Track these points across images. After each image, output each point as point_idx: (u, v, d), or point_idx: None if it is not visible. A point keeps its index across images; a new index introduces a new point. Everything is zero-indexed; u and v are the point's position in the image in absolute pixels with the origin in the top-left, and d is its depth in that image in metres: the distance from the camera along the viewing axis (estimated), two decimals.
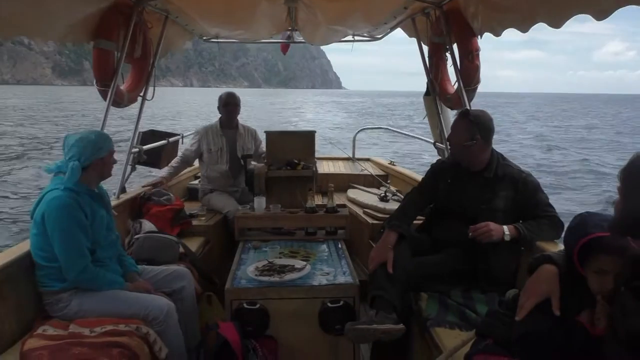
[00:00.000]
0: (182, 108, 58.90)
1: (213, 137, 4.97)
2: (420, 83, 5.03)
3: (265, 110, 52.20)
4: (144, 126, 5.04)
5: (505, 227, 2.85)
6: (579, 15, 2.39)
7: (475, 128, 3.00)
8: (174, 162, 5.04)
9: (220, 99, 5.08)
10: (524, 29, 3.05)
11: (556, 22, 2.60)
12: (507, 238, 2.83)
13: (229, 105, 5.00)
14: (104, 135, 2.87)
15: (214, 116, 5.39)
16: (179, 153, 5.29)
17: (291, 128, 29.45)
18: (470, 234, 2.84)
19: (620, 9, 2.12)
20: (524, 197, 2.96)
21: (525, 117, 53.24)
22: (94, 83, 3.94)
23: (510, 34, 3.00)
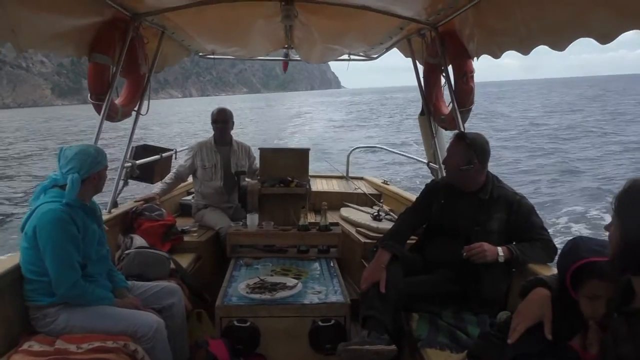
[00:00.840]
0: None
1: (207, 153, 4.96)
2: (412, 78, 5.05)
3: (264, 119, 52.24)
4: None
5: (499, 248, 2.85)
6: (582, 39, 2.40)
7: (472, 152, 3.01)
8: (167, 178, 5.02)
9: (212, 115, 5.06)
10: (524, 51, 3.06)
11: (559, 46, 2.60)
12: (501, 259, 2.83)
13: (218, 123, 4.98)
14: (101, 150, 2.87)
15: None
16: (173, 169, 5.27)
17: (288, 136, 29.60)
18: (464, 254, 2.84)
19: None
20: (518, 219, 2.97)
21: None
22: (89, 97, 3.93)
23: None
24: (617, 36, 2.15)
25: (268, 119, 51.56)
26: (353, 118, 47.67)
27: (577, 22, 2.37)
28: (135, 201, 4.55)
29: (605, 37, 2.20)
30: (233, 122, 5.09)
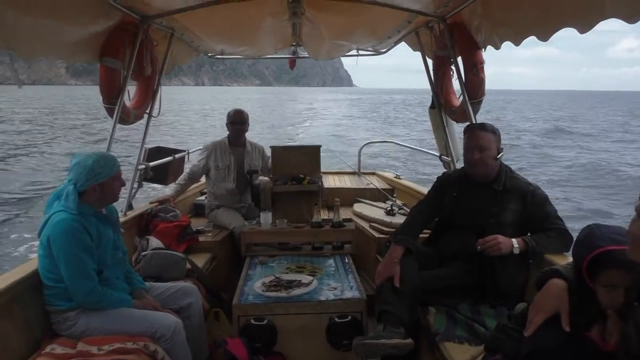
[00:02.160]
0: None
1: (221, 154, 4.96)
2: (425, 80, 5.03)
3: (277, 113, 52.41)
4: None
5: (514, 240, 2.84)
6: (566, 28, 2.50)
7: (499, 140, 3.06)
8: (180, 179, 5.04)
9: (228, 116, 5.05)
10: (516, 42, 3.12)
11: (544, 35, 2.74)
12: (516, 251, 2.82)
13: (236, 124, 4.97)
14: (104, 160, 2.75)
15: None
16: (186, 169, 5.30)
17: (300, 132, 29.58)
18: (479, 247, 2.83)
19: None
20: (532, 210, 2.95)
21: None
22: (101, 101, 3.96)
23: None
24: (595, 25, 2.27)
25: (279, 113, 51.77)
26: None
27: (558, 11, 2.47)
28: (151, 203, 4.59)
29: (586, 26, 2.33)
30: (248, 124, 5.09)
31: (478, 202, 3.05)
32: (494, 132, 3.07)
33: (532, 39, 2.96)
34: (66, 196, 2.64)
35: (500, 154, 3.04)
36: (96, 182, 2.70)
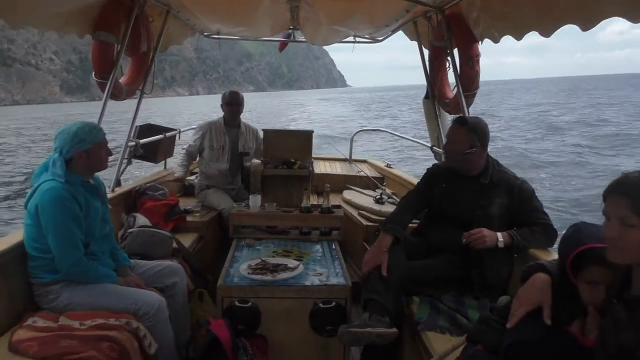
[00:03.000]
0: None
1: (216, 134, 4.95)
2: (420, 76, 5.00)
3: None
4: None
5: (499, 233, 2.85)
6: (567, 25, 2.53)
7: (474, 136, 3.00)
8: (183, 160, 5.00)
9: (224, 97, 5.04)
10: (518, 36, 3.11)
11: (546, 32, 2.73)
12: (500, 245, 2.83)
13: (232, 105, 4.96)
14: (88, 127, 2.74)
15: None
16: (180, 149, 5.27)
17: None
18: (464, 240, 2.84)
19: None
20: (519, 204, 2.97)
21: None
22: (92, 75, 3.92)
23: None
24: (598, 23, 2.31)
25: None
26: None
27: (564, 8, 2.48)
28: (198, 179, 4.77)
29: (588, 24, 2.36)
30: (243, 106, 5.08)
31: (465, 194, 3.06)
32: (469, 127, 3.03)
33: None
34: (53, 163, 2.63)
35: (470, 150, 3.00)
36: (81, 149, 2.69)
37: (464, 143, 3.02)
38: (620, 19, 2.16)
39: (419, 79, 4.99)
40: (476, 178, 3.06)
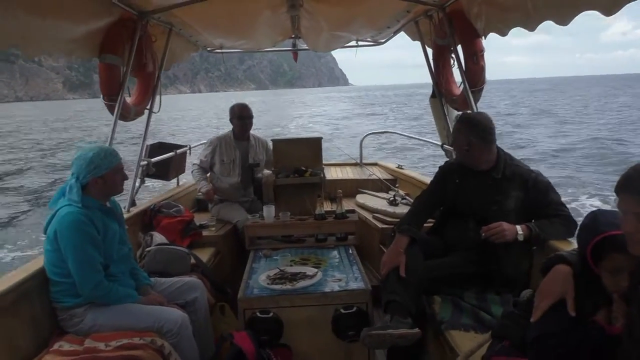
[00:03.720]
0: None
1: (226, 148, 4.95)
2: (423, 74, 5.00)
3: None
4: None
5: (518, 226, 2.84)
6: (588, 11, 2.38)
7: (469, 132, 3.01)
8: (199, 176, 4.97)
9: (233, 111, 5.02)
10: (530, 27, 3.04)
11: (563, 19, 2.59)
12: (520, 238, 2.82)
13: (244, 119, 4.96)
14: (104, 153, 2.76)
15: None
16: (189, 164, 5.29)
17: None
18: (483, 234, 2.83)
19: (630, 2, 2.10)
20: (535, 196, 2.95)
21: None
22: (102, 98, 3.96)
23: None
24: (623, 6, 2.14)
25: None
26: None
27: None
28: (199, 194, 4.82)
29: (611, 8, 2.18)
30: (253, 118, 5.09)
31: (479, 190, 3.05)
32: (464, 124, 3.08)
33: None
34: (69, 189, 2.66)
35: (467, 147, 3.02)
36: (97, 175, 2.72)
37: (461, 139, 3.05)
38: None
39: (422, 77, 4.99)
40: (488, 173, 3.05)
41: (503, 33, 3.46)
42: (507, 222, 2.85)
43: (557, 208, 2.94)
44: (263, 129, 28.16)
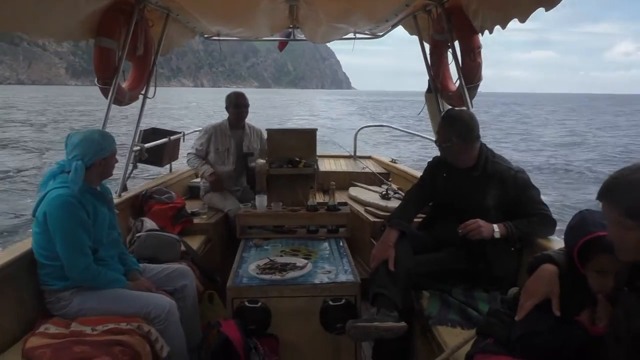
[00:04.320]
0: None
1: (221, 137, 4.93)
2: (424, 83, 5.00)
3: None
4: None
5: (495, 225, 2.85)
6: None
7: (450, 129, 3.03)
8: (197, 162, 4.93)
9: (229, 99, 5.01)
10: (522, 19, 3.06)
11: (549, 4, 2.60)
12: (497, 235, 2.83)
13: (240, 107, 4.95)
14: (107, 135, 2.85)
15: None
16: (185, 152, 5.27)
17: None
18: (460, 231, 2.84)
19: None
20: (514, 194, 2.95)
21: None
22: (96, 81, 3.94)
23: (520, 34, 3.04)
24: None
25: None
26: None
27: None
28: (203, 182, 4.83)
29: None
30: (249, 107, 5.08)
31: (462, 186, 3.06)
32: (446, 121, 3.13)
33: (529, 37, 2.92)
34: (75, 172, 2.64)
35: (445, 144, 3.06)
36: (102, 157, 2.76)
37: (442, 136, 3.08)
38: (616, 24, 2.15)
39: (423, 86, 4.96)
40: (470, 170, 3.06)
41: (502, 26, 3.46)
42: (487, 219, 2.86)
43: (535, 206, 2.94)
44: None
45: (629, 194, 1.49)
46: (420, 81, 5.06)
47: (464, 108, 3.85)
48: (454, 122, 3.06)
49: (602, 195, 1.57)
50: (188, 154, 5.06)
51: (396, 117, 43.38)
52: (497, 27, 3.42)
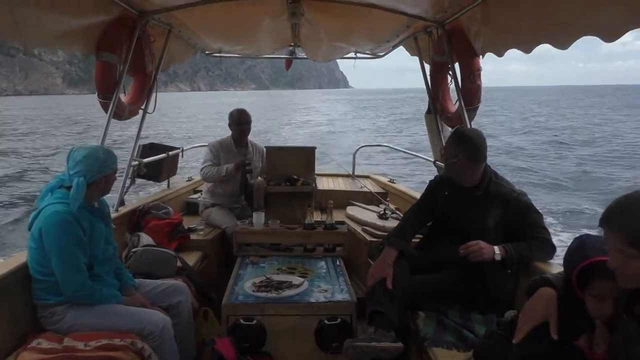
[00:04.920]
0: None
1: (228, 153, 4.88)
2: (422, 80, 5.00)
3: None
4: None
5: (496, 247, 2.84)
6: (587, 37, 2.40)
7: (459, 146, 3.03)
8: (214, 169, 4.76)
9: (232, 116, 4.97)
10: (527, 50, 3.07)
11: (562, 44, 2.62)
12: (497, 257, 2.82)
13: (243, 124, 4.91)
14: (111, 153, 2.83)
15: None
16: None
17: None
18: (461, 251, 2.83)
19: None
20: (515, 216, 2.95)
21: None
22: (97, 95, 3.95)
23: None
24: (624, 33, 2.14)
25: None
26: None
27: (582, 20, 2.38)
28: (203, 198, 4.84)
29: (611, 35, 2.20)
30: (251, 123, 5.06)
31: (463, 206, 3.06)
32: (457, 137, 3.11)
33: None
34: (76, 189, 2.62)
35: (452, 160, 3.04)
36: (103, 174, 2.74)
37: (449, 151, 3.08)
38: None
39: (421, 82, 4.98)
40: (472, 190, 3.06)
41: (500, 54, 3.49)
42: (487, 240, 2.85)
43: (536, 230, 2.93)
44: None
45: (633, 222, 1.49)
46: (418, 78, 5.08)
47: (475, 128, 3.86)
48: (463, 140, 3.06)
49: (603, 222, 1.56)
50: (202, 168, 4.84)
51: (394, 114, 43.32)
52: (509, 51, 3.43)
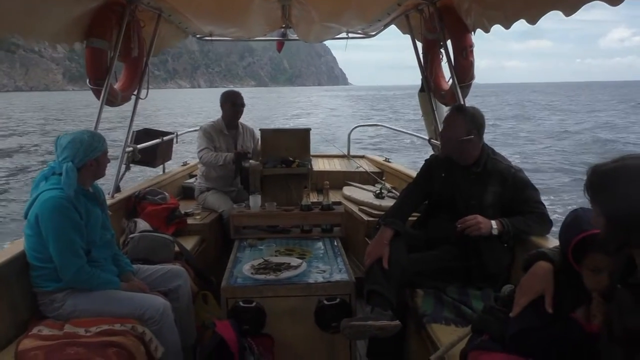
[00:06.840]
0: None
1: (220, 135, 4.87)
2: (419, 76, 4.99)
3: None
4: None
5: (493, 221, 2.86)
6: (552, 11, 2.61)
7: (471, 123, 3.02)
8: (212, 154, 4.73)
9: (227, 96, 4.94)
10: (506, 25, 3.18)
11: (532, 19, 2.81)
12: (494, 232, 2.84)
13: (237, 105, 4.89)
14: (98, 135, 2.82)
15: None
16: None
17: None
18: (458, 226, 2.85)
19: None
20: (512, 193, 2.97)
21: None
22: (87, 82, 3.92)
23: (516, 24, 3.11)
24: (580, 7, 2.37)
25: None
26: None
27: None
28: (198, 182, 4.86)
29: (570, 8, 2.42)
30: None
31: (462, 184, 3.07)
32: (467, 115, 3.07)
33: (524, 27, 3.06)
34: (66, 174, 2.61)
35: (466, 138, 3.02)
36: (93, 157, 2.72)
37: (461, 130, 3.04)
38: (605, 5, 2.21)
39: (419, 79, 4.97)
40: (471, 167, 3.07)
41: (486, 29, 3.54)
42: (485, 216, 2.87)
43: (533, 205, 2.96)
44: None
45: (610, 201, 1.52)
46: (416, 75, 5.07)
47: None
48: (474, 116, 3.06)
49: (585, 191, 1.59)
50: (200, 151, 4.79)
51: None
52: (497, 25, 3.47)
